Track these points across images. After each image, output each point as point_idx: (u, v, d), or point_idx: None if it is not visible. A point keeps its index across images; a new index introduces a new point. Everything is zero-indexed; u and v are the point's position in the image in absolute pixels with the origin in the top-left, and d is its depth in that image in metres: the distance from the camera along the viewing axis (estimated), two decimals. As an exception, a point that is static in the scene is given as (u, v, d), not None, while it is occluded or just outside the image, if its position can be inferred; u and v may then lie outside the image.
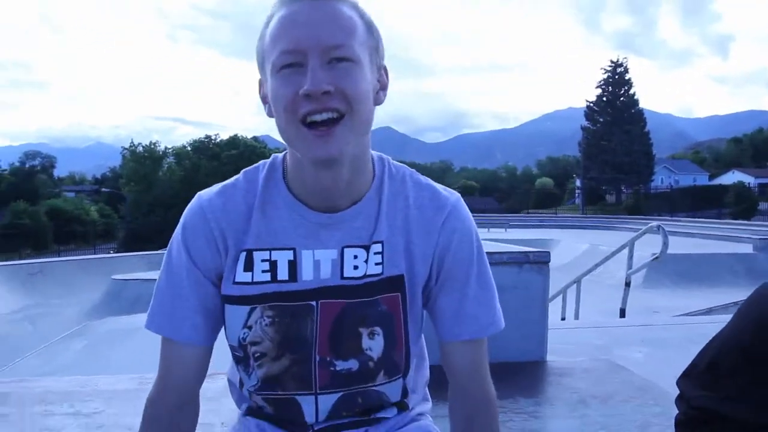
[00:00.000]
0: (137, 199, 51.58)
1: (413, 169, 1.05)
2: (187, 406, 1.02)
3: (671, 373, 1.22)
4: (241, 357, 1.01)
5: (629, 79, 53.59)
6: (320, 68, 0.85)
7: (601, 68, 54.50)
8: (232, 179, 1.01)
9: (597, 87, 54.32)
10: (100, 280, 13.32)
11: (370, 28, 0.92)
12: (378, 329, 0.99)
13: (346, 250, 0.97)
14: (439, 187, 1.04)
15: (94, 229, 50.33)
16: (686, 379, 1.28)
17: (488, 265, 1.04)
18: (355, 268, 0.97)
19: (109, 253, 29.68)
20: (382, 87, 0.96)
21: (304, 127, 0.86)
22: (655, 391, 2.40)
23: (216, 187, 1.00)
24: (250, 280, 0.96)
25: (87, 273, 15.26)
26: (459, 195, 1.04)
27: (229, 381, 1.12)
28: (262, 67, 0.93)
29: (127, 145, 55.86)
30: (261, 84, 0.95)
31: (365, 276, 0.97)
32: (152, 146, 55.96)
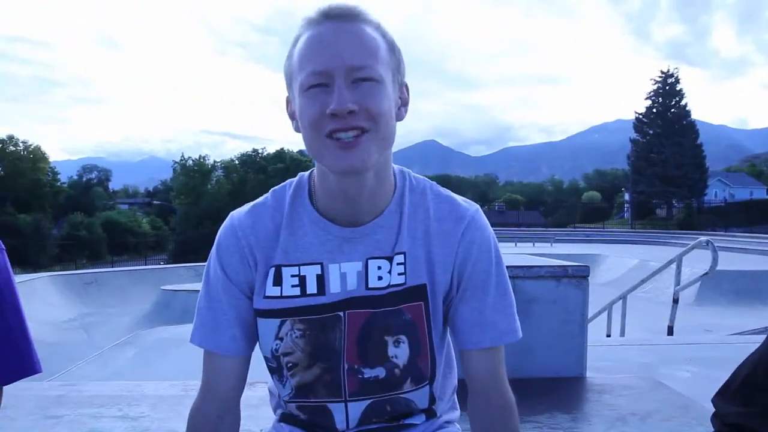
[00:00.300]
0: (187, 212, 53.03)
1: (433, 182, 1.09)
2: (228, 415, 1.07)
3: (719, 393, 1.22)
4: (275, 367, 1.06)
5: (680, 90, 52.05)
6: (345, 88, 0.90)
7: (651, 79, 53.10)
8: (262, 198, 1.07)
9: (647, 98, 52.88)
10: (151, 291, 13.76)
11: (392, 48, 0.97)
12: (403, 337, 1.03)
13: (370, 261, 1.01)
14: (458, 198, 1.08)
15: (146, 240, 51.94)
16: (721, 396, 1.26)
17: (507, 274, 1.07)
18: (380, 278, 1.01)
19: (159, 264, 30.56)
20: (404, 103, 1.01)
21: (329, 140, 0.91)
22: (698, 410, 2.34)
23: (246, 207, 1.07)
24: (279, 294, 1.02)
25: (138, 283, 15.79)
26: (478, 206, 1.07)
27: (269, 389, 1.18)
28: (290, 85, 0.98)
29: (178, 159, 57.64)
30: (288, 101, 1.01)
31: (389, 286, 1.01)
32: (202, 160, 57.55)
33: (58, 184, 60.60)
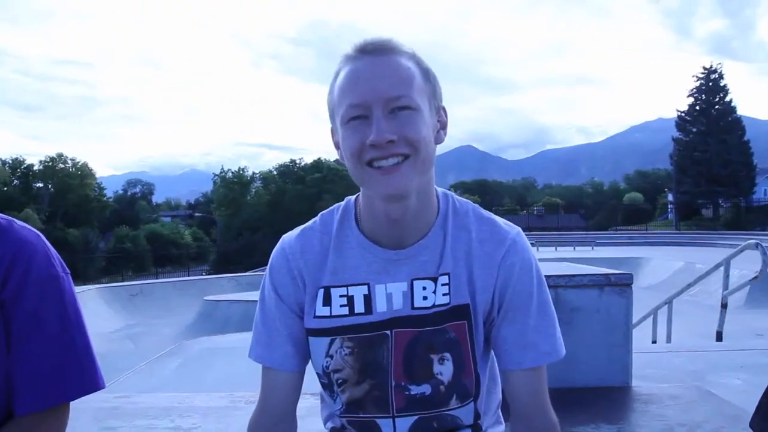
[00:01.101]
0: (227, 223, 54.05)
1: (476, 204, 1.13)
2: (284, 425, 1.12)
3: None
4: (326, 383, 1.11)
5: (724, 86, 50.40)
6: (384, 119, 0.94)
7: (693, 76, 51.64)
8: (311, 222, 1.13)
9: (689, 95, 51.39)
10: (194, 301, 14.05)
11: (427, 75, 1.01)
12: (447, 355, 1.06)
13: (415, 282, 1.05)
14: (500, 221, 1.10)
15: (188, 252, 53.04)
16: (758, 416, 1.24)
17: (549, 294, 1.09)
18: (425, 298, 1.05)
19: (201, 274, 31.17)
20: (442, 126, 1.05)
21: (370, 168, 0.96)
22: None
23: (296, 231, 1.13)
24: (328, 314, 1.07)
25: (181, 294, 16.15)
26: (519, 229, 1.10)
27: (321, 398, 1.23)
28: (332, 118, 1.04)
29: (217, 172, 58.84)
30: (333, 132, 1.06)
31: (434, 306, 1.05)
32: (241, 172, 58.60)
33: (105, 198, 62.56)
